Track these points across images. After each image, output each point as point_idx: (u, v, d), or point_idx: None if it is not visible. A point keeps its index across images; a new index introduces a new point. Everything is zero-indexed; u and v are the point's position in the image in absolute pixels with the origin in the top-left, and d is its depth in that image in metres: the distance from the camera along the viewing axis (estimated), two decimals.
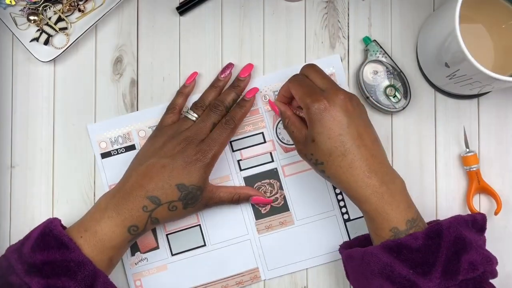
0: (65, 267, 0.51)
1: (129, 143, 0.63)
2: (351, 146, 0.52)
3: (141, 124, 0.63)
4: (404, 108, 0.62)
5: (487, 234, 0.63)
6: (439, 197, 0.63)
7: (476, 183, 0.62)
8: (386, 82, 0.62)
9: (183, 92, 0.62)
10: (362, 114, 0.55)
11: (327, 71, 0.63)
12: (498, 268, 0.63)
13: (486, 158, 0.63)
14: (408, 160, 0.63)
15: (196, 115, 0.59)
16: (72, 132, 0.64)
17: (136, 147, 0.63)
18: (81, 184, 0.63)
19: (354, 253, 0.54)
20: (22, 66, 0.64)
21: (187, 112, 0.60)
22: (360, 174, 0.52)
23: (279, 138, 0.63)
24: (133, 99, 0.64)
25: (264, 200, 0.62)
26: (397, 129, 0.63)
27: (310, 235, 0.62)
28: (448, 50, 0.54)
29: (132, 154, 0.62)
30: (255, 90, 0.62)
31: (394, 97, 0.62)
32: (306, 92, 0.54)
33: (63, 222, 0.64)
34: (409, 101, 0.62)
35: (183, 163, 0.56)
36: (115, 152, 0.63)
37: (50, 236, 0.53)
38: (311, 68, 0.57)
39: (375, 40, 0.63)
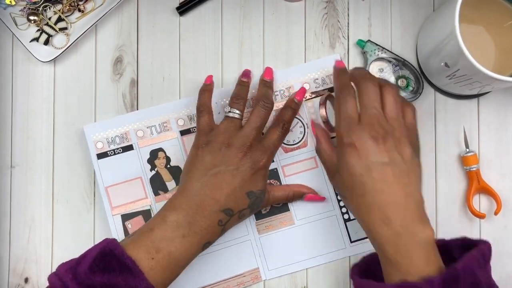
0: None
1: (126, 143, 0.63)
2: (371, 189, 0.50)
3: (139, 124, 0.63)
4: (421, 94, 0.62)
5: (487, 234, 0.64)
6: (439, 197, 0.63)
7: (476, 183, 0.61)
8: (395, 75, 0.62)
9: (206, 89, 0.60)
10: (399, 156, 0.51)
11: (327, 71, 0.63)
12: (498, 268, 0.63)
13: (486, 158, 0.63)
14: None
15: (238, 111, 0.58)
16: (72, 132, 0.64)
17: (134, 147, 0.62)
18: (81, 184, 0.63)
19: (367, 287, 0.50)
20: (22, 66, 0.64)
21: (230, 111, 0.58)
22: (377, 220, 0.50)
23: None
24: (133, 99, 0.64)
25: (318, 197, 0.62)
26: None
27: (310, 235, 0.62)
28: (448, 50, 0.54)
29: (129, 154, 0.62)
30: (304, 91, 0.61)
31: (407, 87, 0.62)
32: (342, 122, 0.53)
33: (63, 222, 0.64)
34: (423, 84, 0.62)
35: (250, 170, 0.55)
36: (111, 152, 0.63)
37: (111, 257, 0.48)
38: (365, 85, 0.54)
39: (369, 40, 0.63)
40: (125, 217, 0.62)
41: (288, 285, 0.63)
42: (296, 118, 0.63)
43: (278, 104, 0.63)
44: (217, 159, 0.55)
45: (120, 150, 0.63)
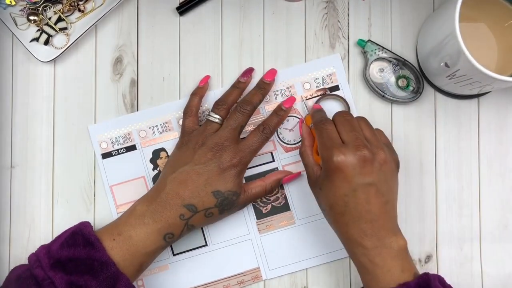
0: (89, 265, 0.52)
1: (129, 143, 0.63)
2: (352, 208, 0.52)
3: (142, 124, 0.63)
4: (421, 94, 0.62)
5: (487, 233, 0.63)
6: (439, 197, 0.63)
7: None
8: (395, 75, 0.62)
9: (197, 93, 0.62)
10: (383, 175, 0.53)
11: (328, 70, 0.63)
12: (498, 268, 0.63)
13: (486, 158, 0.63)
14: (408, 160, 0.63)
15: (218, 116, 0.58)
16: (72, 132, 0.64)
17: (137, 147, 0.63)
18: (81, 184, 0.63)
19: None
20: (22, 66, 0.64)
21: (209, 115, 0.59)
22: (355, 234, 0.52)
23: (280, 138, 0.63)
24: (133, 99, 0.64)
25: (294, 175, 0.62)
26: (397, 129, 0.63)
27: (311, 235, 0.62)
28: (448, 50, 0.54)
29: (133, 154, 0.63)
30: (293, 99, 0.62)
31: (408, 86, 0.62)
32: (326, 144, 0.53)
33: (63, 222, 0.64)
34: (423, 84, 0.62)
35: (218, 170, 0.56)
36: (116, 152, 0.63)
37: (79, 235, 0.54)
38: (341, 117, 0.56)
39: (369, 40, 0.63)
40: None
41: (288, 285, 0.63)
42: (296, 117, 0.63)
43: (278, 103, 0.63)
44: (188, 157, 0.57)
45: (123, 150, 0.63)
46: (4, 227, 0.63)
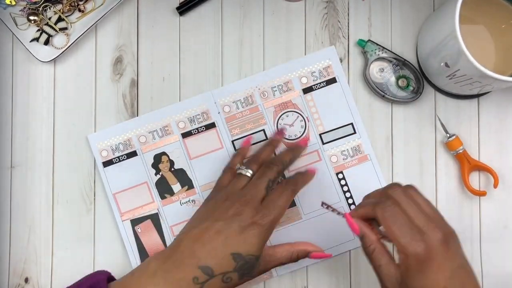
0: None
1: (130, 150, 0.63)
2: None
3: (141, 130, 0.63)
4: (421, 94, 0.62)
5: (487, 233, 0.64)
6: (439, 197, 0.63)
7: (467, 164, 0.62)
8: (395, 75, 0.62)
9: (241, 153, 0.60)
10: (459, 256, 0.47)
11: (324, 63, 0.63)
12: (498, 268, 0.63)
13: (486, 157, 0.63)
14: (408, 159, 0.63)
15: (250, 171, 0.55)
16: (72, 132, 0.64)
17: (138, 153, 0.63)
18: (81, 185, 0.63)
19: None
20: (22, 66, 0.64)
21: (241, 168, 0.56)
22: None
23: None
24: (133, 99, 0.64)
25: (324, 255, 0.56)
26: (397, 129, 0.64)
27: (319, 228, 0.62)
28: (448, 50, 0.54)
29: (134, 160, 0.63)
30: (314, 171, 0.57)
31: (408, 86, 0.62)
32: (403, 232, 0.46)
33: (63, 223, 0.64)
34: (423, 84, 0.62)
35: (239, 228, 0.49)
36: (116, 159, 0.63)
37: None
38: (409, 195, 0.48)
39: (370, 40, 0.63)
40: (135, 222, 0.62)
41: (288, 285, 0.63)
42: (296, 112, 0.63)
43: (277, 99, 0.63)
44: (210, 212, 0.52)
45: (124, 157, 0.63)
46: (4, 227, 0.63)
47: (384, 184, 0.61)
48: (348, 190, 0.63)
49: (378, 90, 0.62)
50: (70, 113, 0.64)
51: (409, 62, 0.63)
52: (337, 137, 0.63)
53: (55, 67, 0.64)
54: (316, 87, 0.63)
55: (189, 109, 0.63)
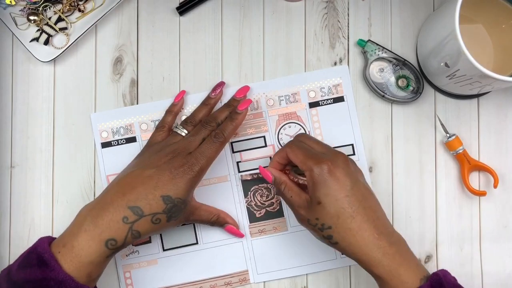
0: (45, 286, 0.49)
1: (130, 135, 0.63)
2: (358, 208, 0.51)
3: (144, 117, 0.63)
4: (421, 94, 0.62)
5: (487, 233, 0.64)
6: (439, 197, 0.63)
7: (467, 164, 0.62)
8: (395, 75, 0.62)
9: (172, 110, 0.62)
10: (361, 176, 0.55)
11: (334, 81, 0.63)
12: (498, 268, 0.63)
13: (486, 157, 0.63)
14: (408, 160, 0.63)
15: (185, 131, 0.58)
16: (72, 132, 0.64)
17: (137, 139, 0.63)
18: (81, 184, 0.63)
19: None
20: (22, 66, 0.64)
21: (177, 128, 0.59)
22: (370, 236, 0.51)
23: (280, 144, 0.63)
24: (133, 99, 0.64)
25: (237, 232, 0.62)
26: (397, 129, 0.64)
27: (302, 243, 0.62)
28: (448, 50, 0.54)
29: (132, 146, 0.63)
30: (248, 102, 0.59)
31: (408, 86, 0.62)
32: (308, 155, 0.54)
33: (63, 222, 0.64)
34: (423, 84, 0.62)
35: (170, 174, 0.53)
36: (115, 142, 0.63)
37: (34, 254, 0.51)
38: (304, 136, 0.58)
39: (369, 40, 0.63)
40: None
41: (288, 286, 0.63)
42: (299, 124, 0.63)
43: (282, 109, 0.63)
44: (141, 162, 0.56)
45: (123, 141, 0.63)
46: (4, 227, 0.63)
47: None
48: None
49: (378, 90, 0.62)
50: (70, 113, 0.64)
51: (409, 62, 0.63)
52: None
53: (55, 67, 0.64)
54: (323, 103, 0.63)
55: (193, 104, 0.63)
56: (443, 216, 0.63)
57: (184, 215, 0.56)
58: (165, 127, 0.60)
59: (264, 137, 0.63)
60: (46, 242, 0.52)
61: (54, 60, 0.63)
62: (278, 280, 0.62)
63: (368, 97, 0.64)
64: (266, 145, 0.63)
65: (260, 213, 0.63)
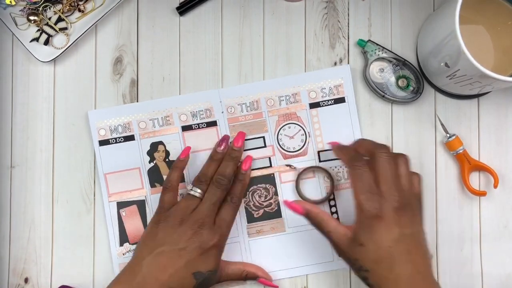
0: None
1: (128, 133, 0.63)
2: (399, 261, 0.50)
3: (143, 116, 0.63)
4: (421, 94, 0.62)
5: (487, 233, 0.63)
6: (439, 197, 0.63)
7: (467, 164, 0.62)
8: (395, 75, 0.62)
9: (178, 166, 0.60)
10: (412, 226, 0.52)
11: (336, 81, 0.63)
12: (498, 268, 0.63)
13: (486, 158, 0.63)
14: None
15: (200, 191, 0.57)
16: (72, 132, 0.64)
17: (136, 138, 0.63)
18: (81, 184, 0.63)
19: None
20: (22, 66, 0.64)
21: (191, 190, 0.58)
22: (403, 287, 0.49)
23: (279, 144, 0.63)
24: (133, 99, 0.64)
25: (271, 284, 0.61)
26: (397, 129, 0.63)
27: (300, 244, 0.62)
28: (448, 50, 0.54)
29: (130, 144, 0.63)
30: (249, 159, 0.61)
31: (408, 86, 0.62)
32: (364, 190, 0.51)
33: (63, 222, 0.64)
34: (423, 84, 0.62)
35: (199, 250, 0.54)
36: (113, 140, 0.63)
37: None
38: (381, 157, 0.53)
39: (370, 40, 0.63)
40: (120, 205, 0.63)
41: (288, 285, 0.63)
42: (298, 125, 0.63)
43: (282, 109, 0.63)
44: (167, 237, 0.55)
45: (121, 139, 0.63)
46: (4, 227, 0.63)
47: None
48: (336, 212, 0.62)
49: (378, 90, 0.62)
50: (70, 113, 0.64)
51: (409, 62, 0.63)
52: (335, 158, 0.62)
53: (55, 67, 0.64)
54: (324, 103, 0.63)
55: (193, 103, 0.63)
56: (443, 216, 0.63)
57: (214, 281, 0.57)
58: (173, 185, 0.59)
59: (263, 137, 0.63)
60: None
61: (54, 60, 0.63)
62: (277, 282, 0.62)
63: (368, 97, 0.64)
64: (265, 146, 0.63)
65: (258, 214, 0.63)
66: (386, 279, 0.50)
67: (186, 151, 0.60)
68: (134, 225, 0.62)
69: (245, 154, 0.62)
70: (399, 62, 0.62)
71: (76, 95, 0.64)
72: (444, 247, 0.63)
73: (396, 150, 0.63)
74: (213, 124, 0.63)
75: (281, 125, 0.63)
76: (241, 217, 0.62)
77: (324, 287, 0.63)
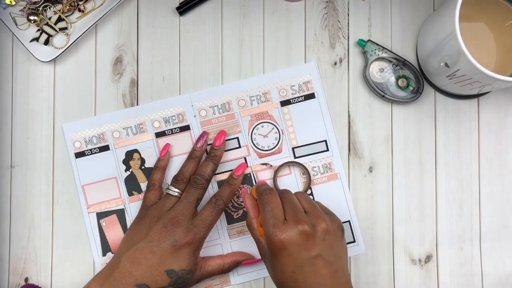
0: None
1: (103, 144, 0.63)
2: (302, 284, 0.50)
3: (116, 125, 0.63)
4: (421, 94, 0.62)
5: (487, 233, 0.64)
6: (439, 197, 0.63)
7: None
8: (395, 75, 0.62)
9: (159, 166, 0.61)
10: (320, 248, 0.51)
11: (304, 78, 0.63)
12: (498, 268, 0.63)
13: (486, 157, 0.63)
14: (408, 160, 0.63)
15: (178, 190, 0.58)
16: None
17: (110, 147, 0.63)
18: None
19: None
20: (22, 66, 0.64)
21: (168, 189, 0.59)
22: None
23: (254, 144, 0.63)
24: (133, 99, 0.64)
25: (254, 261, 0.61)
26: (397, 129, 0.64)
27: None
28: (448, 50, 0.54)
29: (106, 154, 0.63)
30: (243, 166, 0.61)
31: (408, 86, 0.62)
32: (268, 221, 0.52)
33: (63, 222, 0.64)
34: (423, 84, 0.62)
35: (172, 248, 0.54)
36: (89, 152, 0.63)
37: None
38: (281, 194, 0.55)
39: (370, 40, 0.63)
40: (100, 215, 0.63)
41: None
42: (271, 124, 0.63)
43: (254, 109, 0.63)
44: (143, 233, 0.56)
45: (97, 150, 0.63)
46: (4, 227, 0.63)
47: (351, 204, 0.62)
48: None
49: (378, 90, 0.62)
50: (70, 113, 0.64)
51: (409, 62, 0.63)
52: (309, 153, 0.63)
53: (55, 67, 0.64)
54: (294, 100, 0.63)
55: (165, 109, 0.63)
56: (443, 216, 0.63)
57: (193, 281, 0.57)
58: (155, 185, 0.60)
59: (237, 138, 0.63)
60: None
61: (54, 60, 0.63)
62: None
63: (368, 97, 0.64)
64: (240, 146, 0.63)
65: (237, 214, 0.63)
66: None
67: (165, 148, 0.61)
68: (115, 234, 0.62)
69: (230, 157, 0.62)
70: (399, 62, 0.62)
71: (76, 95, 0.64)
72: (444, 246, 0.63)
73: (396, 150, 0.63)
74: (186, 128, 0.63)
75: (254, 125, 0.63)
76: (221, 219, 0.62)
77: None
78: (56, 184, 0.63)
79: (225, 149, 0.62)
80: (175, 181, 0.59)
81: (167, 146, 0.62)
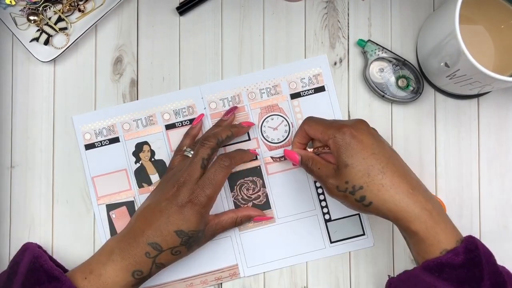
0: None
1: (113, 135, 0.63)
2: (387, 164, 0.51)
3: (126, 117, 0.63)
4: (421, 94, 0.62)
5: (487, 234, 0.63)
6: (439, 197, 0.63)
7: None
8: (395, 75, 0.62)
9: (190, 133, 0.62)
10: (382, 138, 0.55)
11: (314, 71, 0.63)
12: None
13: (486, 157, 0.63)
14: (408, 159, 0.63)
15: (193, 152, 0.58)
16: (72, 132, 0.64)
17: (120, 139, 0.63)
18: (81, 184, 0.63)
19: (402, 277, 0.52)
20: (22, 66, 0.64)
21: (186, 150, 0.59)
22: (405, 191, 0.50)
23: (263, 136, 0.63)
24: (133, 99, 0.64)
25: (265, 218, 0.62)
26: (397, 129, 0.64)
27: (291, 234, 0.63)
28: (448, 50, 0.54)
29: (116, 146, 0.63)
30: (233, 109, 0.62)
31: (408, 86, 0.62)
32: (327, 125, 0.54)
33: (63, 222, 0.64)
34: (423, 84, 0.62)
35: (178, 209, 0.54)
36: (99, 144, 0.63)
37: (41, 272, 0.53)
38: (313, 118, 0.58)
39: (369, 40, 0.63)
40: (110, 207, 0.63)
41: (288, 284, 0.63)
42: (281, 116, 0.63)
43: (264, 102, 0.63)
44: (157, 193, 0.57)
45: (107, 142, 0.63)
46: (4, 227, 0.63)
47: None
48: (324, 199, 0.63)
49: (378, 90, 0.62)
50: (70, 113, 0.64)
51: (409, 62, 0.63)
52: (318, 146, 0.62)
53: (55, 67, 0.64)
54: (304, 93, 0.63)
55: (175, 102, 0.63)
56: None
57: (206, 238, 0.57)
58: (181, 150, 0.60)
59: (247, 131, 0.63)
60: (45, 256, 0.55)
61: (54, 60, 0.63)
62: (278, 280, 0.62)
63: (368, 97, 0.64)
64: (249, 139, 0.63)
65: (247, 206, 0.63)
66: (382, 186, 0.50)
67: (199, 118, 0.62)
68: (124, 227, 0.62)
69: (232, 147, 0.63)
70: (399, 62, 0.62)
71: (76, 95, 0.64)
72: None
73: (396, 150, 0.63)
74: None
75: (264, 117, 0.63)
76: None
77: (324, 286, 0.63)
78: (56, 184, 0.63)
79: (234, 141, 0.63)
80: (194, 144, 0.60)
81: (201, 116, 0.62)
